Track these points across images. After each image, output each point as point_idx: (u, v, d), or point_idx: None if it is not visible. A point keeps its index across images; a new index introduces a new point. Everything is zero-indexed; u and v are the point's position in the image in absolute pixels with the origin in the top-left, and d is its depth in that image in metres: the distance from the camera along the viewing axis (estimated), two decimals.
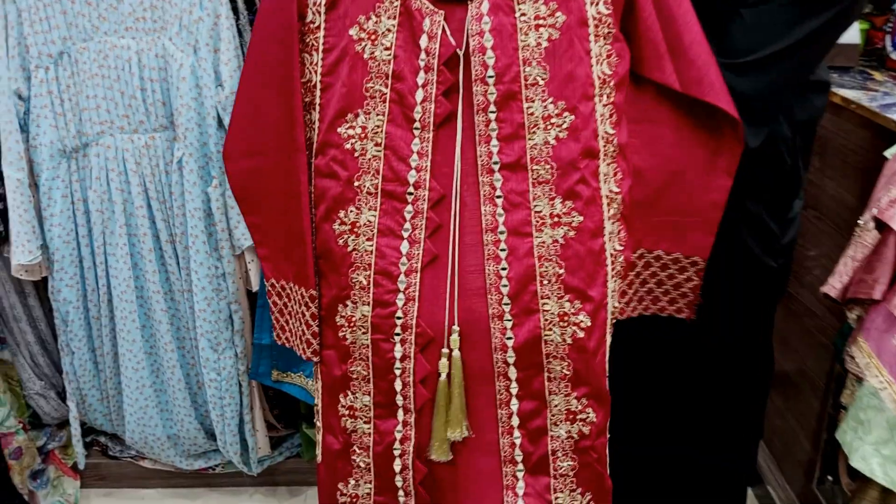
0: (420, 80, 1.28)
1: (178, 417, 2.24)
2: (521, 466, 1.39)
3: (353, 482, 1.46)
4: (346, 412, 1.41)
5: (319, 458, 1.50)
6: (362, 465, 1.44)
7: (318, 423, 1.49)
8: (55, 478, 2.28)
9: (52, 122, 2.00)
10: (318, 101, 1.34)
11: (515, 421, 1.36)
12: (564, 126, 1.27)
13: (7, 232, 2.04)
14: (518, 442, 1.37)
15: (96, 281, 2.14)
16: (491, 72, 1.26)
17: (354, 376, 1.39)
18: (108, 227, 2.07)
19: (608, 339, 1.37)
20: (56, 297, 2.13)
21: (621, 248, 1.36)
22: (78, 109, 2.01)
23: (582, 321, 1.31)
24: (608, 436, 1.42)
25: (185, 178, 1.98)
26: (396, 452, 1.40)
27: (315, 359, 1.43)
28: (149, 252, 2.08)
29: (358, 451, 1.43)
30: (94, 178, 2.04)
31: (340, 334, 1.38)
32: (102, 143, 2.02)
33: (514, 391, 1.34)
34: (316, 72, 1.33)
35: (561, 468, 1.39)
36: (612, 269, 1.34)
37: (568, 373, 1.33)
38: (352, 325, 1.36)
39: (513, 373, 1.33)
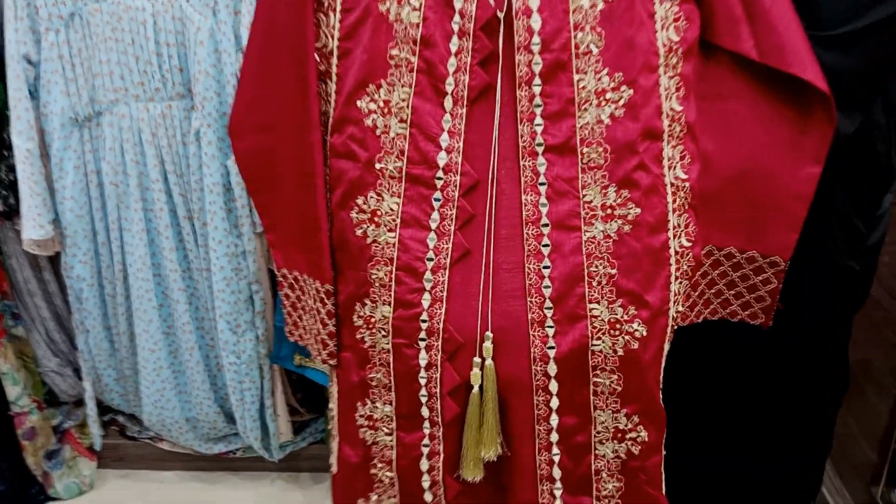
0: (453, 47, 1.06)
1: (197, 400, 2.06)
2: (559, 485, 1.18)
3: (374, 497, 1.25)
4: (365, 422, 1.21)
5: (335, 469, 1.30)
6: (385, 479, 1.24)
7: (334, 432, 1.28)
8: (71, 458, 2.12)
9: (64, 89, 1.81)
10: (334, 69, 1.12)
11: (555, 437, 1.15)
12: (621, 102, 1.05)
13: (18, 204, 1.87)
14: (557, 459, 1.16)
15: (111, 257, 1.96)
16: (536, 38, 1.03)
17: (374, 384, 1.18)
18: (122, 200, 1.88)
19: (666, 348, 1.14)
20: (69, 274, 1.96)
21: (689, 244, 1.13)
22: (90, 75, 1.81)
23: (636, 330, 1.09)
24: (663, 453, 1.20)
25: (204, 150, 1.78)
26: (424, 468, 1.20)
27: (332, 362, 1.22)
28: (165, 228, 1.89)
29: (379, 464, 1.23)
30: (108, 149, 1.85)
31: (358, 336, 1.17)
32: (116, 111, 1.82)
33: (554, 406, 1.13)
34: (332, 35, 1.11)
35: (605, 489, 1.18)
36: (677, 270, 1.12)
37: (617, 388, 1.11)
38: (371, 326, 1.15)
39: (554, 386, 1.11)
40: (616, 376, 1.10)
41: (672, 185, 1.09)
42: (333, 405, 1.27)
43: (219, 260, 1.85)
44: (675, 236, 1.11)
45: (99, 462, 2.19)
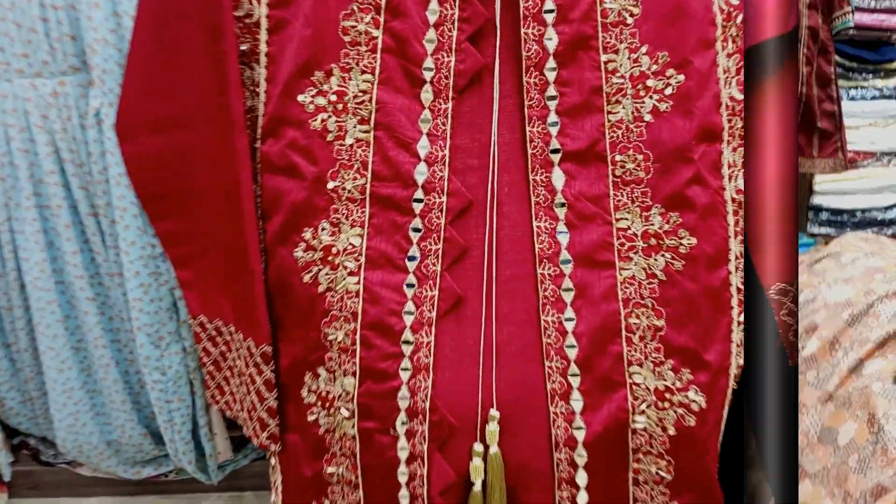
0: (432, 17, 0.73)
1: (118, 422, 1.74)
2: None
3: None
4: None
5: None
6: None
7: None
8: None
9: None
10: (263, 48, 0.78)
11: None
12: (668, 92, 0.73)
13: None
14: None
15: (3, 264, 1.62)
16: (549, 3, 0.70)
17: (334, 480, 0.84)
18: (11, 197, 1.55)
19: (725, 415, 0.84)
20: None
21: None
22: None
23: (693, 401, 0.78)
24: None
25: (106, 133, 1.43)
26: None
27: (274, 447, 0.89)
28: (65, 228, 1.55)
29: None
30: None
31: (311, 417, 0.83)
32: None
33: (581, 502, 0.81)
34: (258, 0, 0.76)
35: None
36: (741, 314, 0.81)
37: (667, 475, 0.81)
38: (327, 404, 0.81)
39: (582, 478, 0.80)
40: (665, 461, 0.80)
41: (734, 200, 0.78)
42: (277, 499, 0.93)
43: (132, 264, 1.51)
44: (736, 269, 0.80)
45: (10, 492, 1.88)
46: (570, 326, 0.76)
